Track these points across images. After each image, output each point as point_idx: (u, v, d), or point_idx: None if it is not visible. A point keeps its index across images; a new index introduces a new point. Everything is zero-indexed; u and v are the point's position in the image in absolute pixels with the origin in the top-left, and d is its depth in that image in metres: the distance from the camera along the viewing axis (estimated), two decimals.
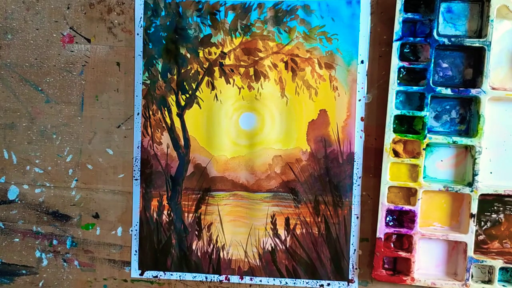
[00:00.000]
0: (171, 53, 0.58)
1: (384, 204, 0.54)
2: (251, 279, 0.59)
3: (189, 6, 0.57)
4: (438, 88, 0.53)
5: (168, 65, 0.58)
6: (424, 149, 0.53)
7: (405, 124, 0.55)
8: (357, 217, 0.57)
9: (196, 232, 0.59)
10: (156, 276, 0.60)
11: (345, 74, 0.56)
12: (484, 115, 0.52)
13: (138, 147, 0.59)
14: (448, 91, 0.53)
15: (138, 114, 0.59)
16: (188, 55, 0.58)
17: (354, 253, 0.57)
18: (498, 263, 0.53)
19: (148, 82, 0.58)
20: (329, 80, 0.56)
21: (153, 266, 0.60)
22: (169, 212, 0.59)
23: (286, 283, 0.58)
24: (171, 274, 0.60)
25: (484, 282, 0.55)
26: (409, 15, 0.53)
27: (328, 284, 0.58)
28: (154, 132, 0.59)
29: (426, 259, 0.56)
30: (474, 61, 0.54)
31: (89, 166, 0.60)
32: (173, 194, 0.59)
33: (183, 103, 0.58)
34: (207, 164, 0.58)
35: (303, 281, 0.58)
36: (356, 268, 0.57)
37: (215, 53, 0.57)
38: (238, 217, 0.59)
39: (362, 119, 0.56)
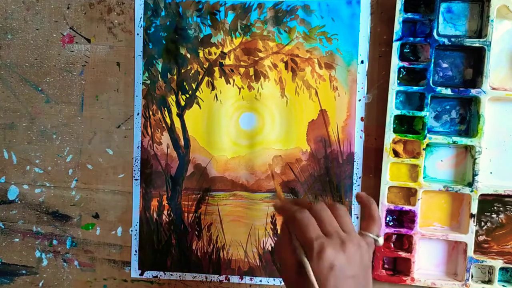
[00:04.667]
0: (171, 53, 0.58)
1: (384, 204, 0.54)
2: (251, 279, 0.59)
3: (189, 6, 0.57)
4: (438, 88, 0.53)
5: (168, 65, 0.58)
6: (424, 149, 0.53)
7: (405, 124, 0.55)
8: (357, 217, 0.57)
9: (196, 232, 0.59)
10: (156, 276, 0.60)
11: (345, 74, 0.56)
12: (484, 115, 0.52)
13: (138, 147, 0.59)
14: (448, 91, 0.53)
15: (138, 114, 0.59)
16: (188, 55, 0.58)
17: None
18: (498, 263, 0.53)
19: (148, 82, 0.58)
20: (329, 80, 0.56)
21: (153, 266, 0.60)
22: (169, 212, 0.59)
23: None
24: (171, 274, 0.60)
25: (484, 282, 0.55)
26: (409, 15, 0.53)
27: None
28: (154, 132, 0.59)
29: (426, 259, 0.56)
30: (474, 61, 0.54)
31: (89, 166, 0.60)
32: (173, 194, 0.59)
33: (183, 103, 0.58)
34: (207, 164, 0.58)
35: None
36: None
37: (215, 53, 0.57)
38: (238, 217, 0.59)
39: (362, 119, 0.56)
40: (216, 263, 0.59)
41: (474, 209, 0.53)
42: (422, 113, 0.53)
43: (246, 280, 0.59)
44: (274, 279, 0.58)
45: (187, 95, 0.58)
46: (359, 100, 0.56)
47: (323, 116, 0.57)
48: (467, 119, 0.55)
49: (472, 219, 0.53)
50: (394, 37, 0.53)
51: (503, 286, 0.54)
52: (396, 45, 0.53)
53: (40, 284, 0.62)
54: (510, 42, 0.53)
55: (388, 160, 0.54)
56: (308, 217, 0.39)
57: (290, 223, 0.40)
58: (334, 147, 0.57)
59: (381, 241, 0.42)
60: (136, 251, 0.60)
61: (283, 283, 0.58)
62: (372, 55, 0.56)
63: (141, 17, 0.58)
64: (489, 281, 0.54)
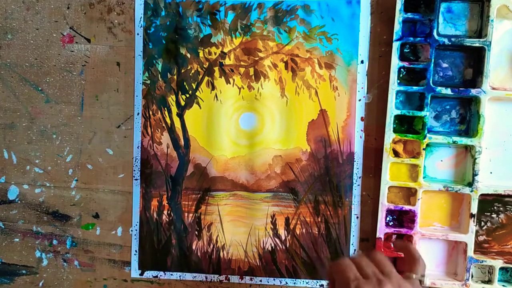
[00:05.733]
0: (171, 53, 0.58)
1: (384, 204, 0.54)
2: (251, 279, 0.59)
3: (189, 6, 0.57)
4: (438, 88, 0.53)
5: (168, 65, 0.58)
6: (424, 149, 0.53)
7: (405, 124, 0.55)
8: (357, 217, 0.57)
9: (196, 232, 0.59)
10: (156, 276, 0.60)
11: (345, 74, 0.56)
12: (484, 115, 0.52)
13: (138, 147, 0.59)
14: (448, 91, 0.53)
15: (138, 114, 0.59)
16: (188, 55, 0.58)
17: (354, 253, 0.57)
18: (498, 263, 0.53)
19: (148, 82, 0.58)
20: (329, 80, 0.56)
21: (153, 266, 0.60)
22: (169, 212, 0.59)
23: (286, 283, 0.58)
24: (171, 274, 0.60)
25: (484, 282, 0.55)
26: (409, 15, 0.53)
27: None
28: (154, 132, 0.59)
29: (426, 259, 0.56)
30: (474, 61, 0.54)
31: (89, 166, 0.60)
32: (173, 194, 0.59)
33: (183, 103, 0.58)
34: (207, 164, 0.58)
35: (303, 281, 0.58)
36: None
37: (215, 53, 0.57)
38: (238, 217, 0.59)
39: (362, 119, 0.56)
40: (216, 263, 0.59)
41: (474, 209, 0.53)
42: (422, 113, 0.53)
43: (246, 280, 0.59)
44: (274, 279, 0.58)
45: (187, 95, 0.58)
46: (359, 100, 0.56)
47: (323, 116, 0.57)
48: (467, 119, 0.55)
49: (472, 219, 0.53)
50: (394, 37, 0.53)
51: (503, 286, 0.54)
52: (396, 45, 0.53)
53: (40, 284, 0.62)
54: (510, 42, 0.53)
55: (388, 160, 0.54)
56: (347, 261, 0.42)
57: (332, 271, 0.43)
58: (334, 147, 0.57)
59: (427, 281, 0.43)
60: (136, 251, 0.60)
61: (283, 283, 0.58)
62: (372, 55, 0.56)
63: (141, 17, 0.58)
64: (489, 281, 0.54)
